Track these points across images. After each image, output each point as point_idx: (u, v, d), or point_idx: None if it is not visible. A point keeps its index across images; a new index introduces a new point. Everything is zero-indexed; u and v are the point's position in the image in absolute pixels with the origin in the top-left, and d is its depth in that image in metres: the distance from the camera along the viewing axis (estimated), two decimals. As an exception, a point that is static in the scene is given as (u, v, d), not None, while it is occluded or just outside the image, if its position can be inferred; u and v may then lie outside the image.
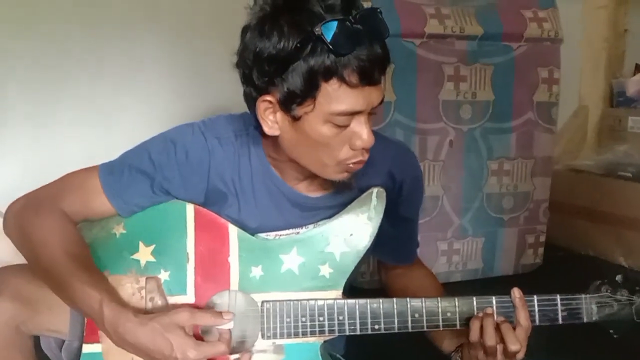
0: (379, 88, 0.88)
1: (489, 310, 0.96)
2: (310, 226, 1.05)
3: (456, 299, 0.97)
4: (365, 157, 0.93)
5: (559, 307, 0.98)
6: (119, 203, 0.98)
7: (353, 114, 0.87)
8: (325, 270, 0.99)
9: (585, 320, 0.99)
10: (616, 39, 2.88)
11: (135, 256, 0.98)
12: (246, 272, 0.99)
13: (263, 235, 1.04)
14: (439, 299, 0.97)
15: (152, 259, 0.98)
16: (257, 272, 0.99)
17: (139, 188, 0.97)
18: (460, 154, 2.08)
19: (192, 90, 2.11)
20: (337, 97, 0.85)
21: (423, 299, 0.97)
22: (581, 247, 2.61)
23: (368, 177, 1.04)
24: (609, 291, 1.01)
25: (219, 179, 0.99)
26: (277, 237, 1.04)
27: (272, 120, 0.91)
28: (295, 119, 0.88)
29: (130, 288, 0.97)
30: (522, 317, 0.96)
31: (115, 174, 0.98)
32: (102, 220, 1.00)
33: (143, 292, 0.97)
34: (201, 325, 0.93)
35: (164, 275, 0.98)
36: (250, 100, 0.92)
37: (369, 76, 0.84)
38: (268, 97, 0.89)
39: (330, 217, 1.04)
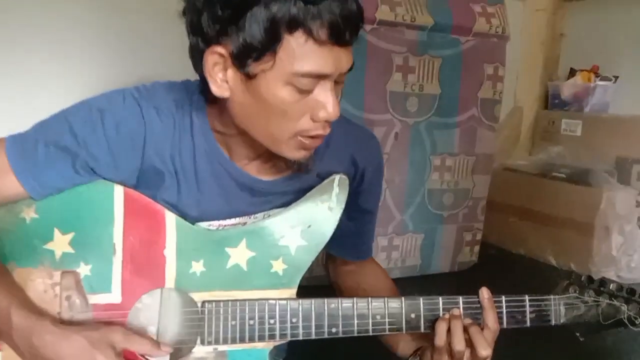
0: (349, 52, 0.77)
1: (456, 312, 0.88)
2: (260, 215, 0.93)
3: (421, 299, 0.88)
4: (327, 131, 0.81)
5: (527, 308, 0.91)
6: (32, 185, 0.81)
7: (319, 77, 0.75)
8: (279, 266, 0.86)
9: (553, 322, 0.93)
10: (553, 42, 2.93)
11: (48, 246, 0.82)
12: (185, 268, 0.85)
13: (205, 224, 0.91)
14: (402, 299, 0.88)
15: (69, 249, 0.82)
16: (197, 267, 0.85)
17: (58, 168, 0.81)
18: (405, 148, 2.01)
19: (125, 58, 1.91)
20: (302, 54, 0.72)
21: (385, 299, 0.87)
22: (512, 246, 2.63)
23: (328, 162, 0.93)
24: (576, 292, 0.95)
25: (156, 157, 0.84)
26: (222, 228, 0.91)
27: (221, 79, 0.77)
28: (250, 77, 0.75)
29: (41, 284, 0.81)
30: (491, 319, 0.88)
31: (28, 150, 0.81)
32: (8, 202, 0.83)
33: (57, 289, 0.81)
34: (133, 350, 0.78)
35: (84, 270, 0.82)
36: (197, 54, 0.78)
37: (340, 34, 0.73)
38: (219, 49, 0.75)
39: (283, 205, 0.92)
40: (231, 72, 0.76)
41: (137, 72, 1.88)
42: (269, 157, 0.89)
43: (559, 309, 0.93)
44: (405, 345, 0.97)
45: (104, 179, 0.84)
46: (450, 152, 2.12)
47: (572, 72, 2.78)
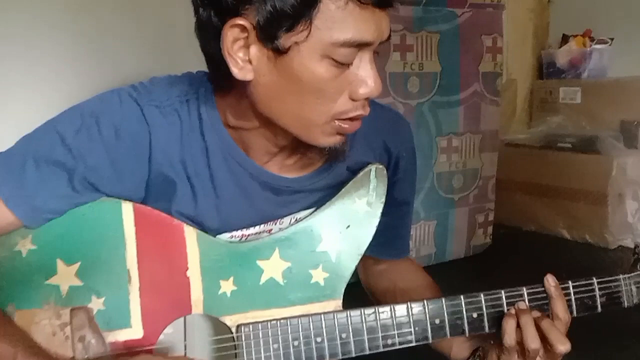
0: (388, 18, 0.66)
1: (522, 306, 0.78)
2: (287, 219, 0.82)
3: (482, 295, 0.78)
4: (367, 111, 0.70)
5: (597, 292, 0.81)
6: (24, 211, 0.69)
7: (360, 45, 0.64)
8: (319, 276, 0.75)
9: (626, 304, 0.83)
10: (541, 10, 2.85)
11: (52, 280, 0.70)
12: (213, 289, 0.73)
13: (226, 236, 0.79)
14: (461, 297, 0.77)
15: (77, 282, 0.71)
16: (227, 287, 0.74)
17: (53, 187, 0.69)
18: (411, 132, 1.91)
19: (99, 65, 1.77)
20: (342, 19, 0.62)
21: (442, 299, 0.77)
22: (522, 223, 2.55)
23: (358, 152, 0.82)
24: (646, 268, 0.85)
25: (164, 163, 0.73)
26: (246, 239, 0.80)
27: (242, 59, 0.65)
28: (279, 53, 0.64)
29: (48, 326, 0.69)
30: (561, 309, 0.78)
31: (14, 170, 0.69)
32: (0, 234, 0.71)
33: (68, 329, 0.69)
34: None
35: (96, 304, 0.71)
36: (210, 33, 0.66)
37: None
38: (240, 21, 0.63)
39: (313, 205, 0.81)
40: (255, 50, 0.65)
41: (117, 73, 1.74)
42: (292, 151, 0.78)
43: (630, 288, 0.83)
44: (459, 348, 0.87)
45: (108, 195, 0.72)
46: (455, 132, 2.03)
47: (565, 39, 2.70)
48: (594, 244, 2.25)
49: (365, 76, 0.66)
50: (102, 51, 1.73)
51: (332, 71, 0.65)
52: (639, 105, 2.35)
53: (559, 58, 2.66)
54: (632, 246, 2.17)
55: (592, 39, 2.59)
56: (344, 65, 0.65)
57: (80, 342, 0.69)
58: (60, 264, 0.70)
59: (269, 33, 0.63)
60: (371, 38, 0.64)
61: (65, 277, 0.70)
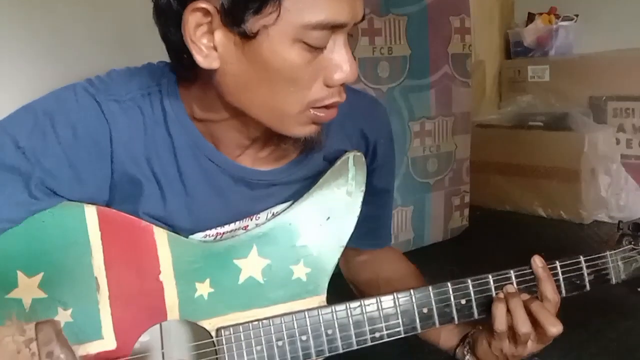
0: None
1: (511, 289, 0.75)
2: (263, 215, 0.78)
3: (469, 281, 0.75)
4: (343, 97, 0.66)
5: (585, 270, 0.79)
6: None
7: (334, 27, 0.60)
8: (301, 271, 0.72)
9: (613, 281, 0.82)
10: (506, -10, 2.85)
11: (13, 294, 0.65)
12: (189, 292, 0.69)
13: (200, 236, 0.75)
14: (448, 284, 0.75)
15: (40, 294, 0.66)
16: (204, 289, 0.69)
17: (8, 194, 0.64)
18: (383, 117, 1.88)
19: (55, 61, 1.69)
20: (314, 1, 0.58)
21: (429, 287, 0.74)
22: (497, 204, 2.56)
23: (333, 141, 0.78)
24: (631, 243, 0.84)
25: (128, 160, 0.68)
26: (221, 237, 0.76)
27: (207, 45, 0.61)
28: (247, 38, 0.59)
29: (12, 344, 0.64)
30: (550, 290, 0.76)
31: None
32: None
33: (34, 345, 0.64)
34: None
35: (63, 316, 0.66)
36: (170, 18, 0.61)
37: None
38: (202, 4, 0.59)
39: (290, 198, 0.77)
40: (220, 35, 0.60)
41: (74, 69, 1.66)
42: (265, 142, 0.74)
43: (617, 265, 0.82)
44: (447, 336, 0.85)
45: (69, 199, 0.67)
46: (427, 116, 2.01)
47: (531, 17, 2.70)
48: (570, 220, 2.27)
49: (340, 60, 0.62)
50: (58, 47, 1.65)
51: (305, 56, 0.61)
52: (606, 81, 2.38)
53: (526, 37, 2.66)
54: (607, 220, 2.21)
55: (557, 17, 2.60)
56: (317, 49, 0.61)
57: (49, 358, 0.64)
58: (21, 276, 0.65)
59: (235, 16, 0.58)
60: (345, 19, 0.60)
61: (28, 289, 0.65)
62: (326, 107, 0.65)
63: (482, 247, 2.08)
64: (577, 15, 2.58)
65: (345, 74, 0.63)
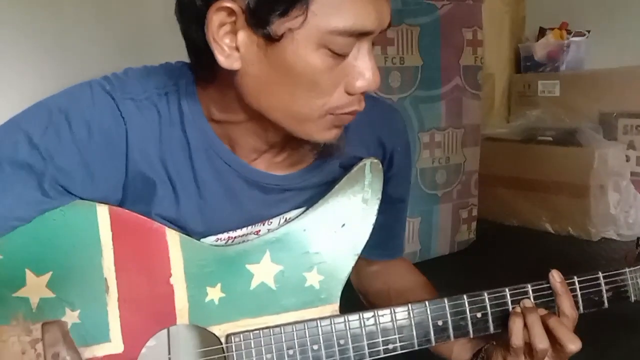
0: (389, 4, 0.61)
1: (528, 304, 0.74)
2: (276, 219, 0.76)
3: (485, 294, 0.73)
4: (362, 106, 0.65)
5: (603, 287, 0.78)
6: None
7: (360, 35, 0.59)
8: (314, 279, 0.70)
9: (633, 298, 0.80)
10: (517, 4, 2.84)
11: (20, 293, 0.63)
12: (199, 297, 0.68)
13: (211, 239, 0.74)
14: (464, 297, 0.73)
15: (48, 294, 0.64)
16: (215, 294, 0.68)
17: (19, 192, 0.62)
18: (393, 127, 1.87)
19: (62, 63, 1.68)
20: (342, 5, 0.56)
21: (445, 299, 0.72)
22: (504, 217, 2.54)
23: (350, 148, 0.77)
24: (650, 260, 0.82)
25: (142, 161, 0.66)
26: (233, 241, 0.74)
27: (229, 45, 0.60)
28: (271, 41, 0.58)
29: (17, 344, 0.63)
30: (567, 305, 0.74)
31: None
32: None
33: (40, 346, 0.63)
34: None
35: (71, 317, 0.64)
36: (192, 16, 0.60)
37: None
38: (228, 4, 0.57)
39: (303, 203, 0.76)
40: (243, 36, 0.59)
41: (81, 71, 1.66)
42: (282, 148, 0.73)
43: (637, 282, 0.80)
44: (460, 350, 0.82)
45: (81, 198, 0.66)
46: (437, 127, 2.00)
47: (542, 32, 2.70)
48: (577, 237, 2.25)
49: (363, 68, 0.61)
50: (63, 49, 1.65)
51: (328, 62, 0.59)
52: (616, 97, 2.36)
53: (537, 51, 2.65)
54: (615, 237, 2.19)
55: (568, 32, 2.59)
56: (341, 56, 0.60)
57: (54, 359, 0.63)
58: (29, 275, 0.64)
59: (260, 18, 0.57)
60: (372, 26, 0.59)
61: (36, 289, 0.64)
62: (346, 114, 0.64)
63: (489, 261, 2.06)
64: (588, 31, 2.57)
65: (368, 82, 0.62)
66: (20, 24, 1.60)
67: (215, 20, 0.58)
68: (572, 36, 2.56)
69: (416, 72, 1.89)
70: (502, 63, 2.85)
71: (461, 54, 1.99)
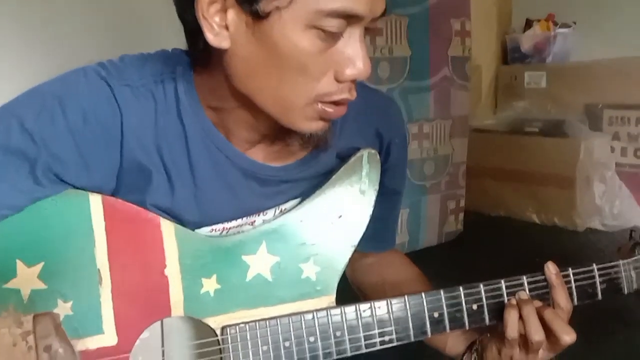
0: None
1: (523, 295, 0.74)
2: (271, 211, 0.76)
3: (481, 286, 0.73)
4: (353, 95, 0.64)
5: (597, 279, 0.78)
6: None
7: (349, 18, 0.58)
8: (310, 270, 0.70)
9: (625, 291, 0.80)
10: (504, -4, 2.85)
11: (11, 284, 0.62)
12: (194, 288, 0.67)
13: (206, 230, 0.73)
14: (460, 288, 0.73)
15: (40, 285, 0.63)
16: (210, 285, 0.67)
17: (11, 179, 0.61)
18: (382, 118, 1.87)
19: (51, 53, 1.64)
20: None
21: (441, 291, 0.72)
22: (491, 208, 2.56)
23: (347, 138, 0.76)
24: (644, 252, 0.83)
25: (138, 148, 0.65)
26: (227, 232, 0.74)
27: (219, 24, 0.59)
28: (259, 18, 0.57)
29: (8, 336, 0.61)
30: (563, 297, 0.74)
31: None
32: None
33: (31, 339, 0.61)
34: None
35: (63, 309, 0.63)
36: None
37: None
38: None
39: (300, 195, 0.75)
40: (232, 14, 0.58)
41: (70, 61, 1.62)
42: (275, 138, 0.72)
43: (630, 274, 0.80)
44: (454, 342, 0.82)
45: (74, 186, 0.64)
46: (426, 118, 2.00)
47: (529, 23, 2.71)
48: (563, 227, 2.27)
49: (353, 55, 0.60)
50: (53, 38, 1.61)
51: (317, 45, 0.58)
52: (602, 89, 2.39)
53: (524, 42, 2.66)
54: (601, 228, 2.21)
55: (555, 23, 2.61)
56: (330, 40, 0.58)
57: (46, 352, 0.61)
58: (20, 266, 0.62)
59: None
60: (362, 11, 0.58)
61: (27, 279, 0.62)
62: (335, 103, 0.63)
63: (477, 252, 2.08)
64: (574, 23, 2.59)
65: (358, 70, 0.60)
66: (8, 12, 1.56)
67: None
68: (559, 28, 2.58)
69: (405, 62, 1.89)
70: (489, 54, 2.86)
71: (449, 44, 1.99)
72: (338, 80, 0.61)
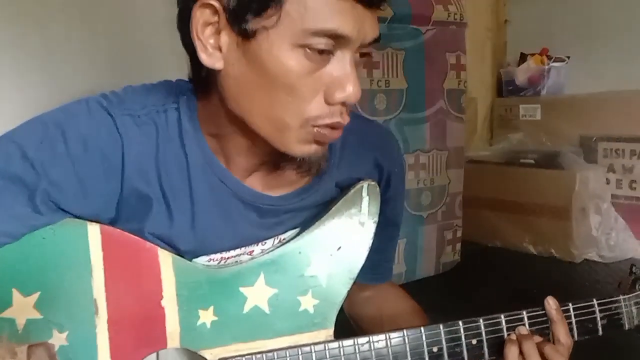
0: (374, 18, 0.61)
1: (523, 330, 0.73)
2: (269, 241, 0.75)
3: (481, 320, 0.73)
4: (345, 119, 0.64)
5: (598, 314, 0.78)
6: None
7: (336, 38, 0.58)
8: (308, 302, 0.69)
9: (627, 326, 0.80)
10: (498, 29, 2.90)
11: (6, 314, 0.62)
12: (191, 320, 0.66)
13: (203, 260, 0.72)
14: (460, 323, 0.72)
15: (35, 314, 0.62)
16: (207, 317, 0.67)
17: (9, 206, 0.61)
18: (379, 148, 1.88)
19: (47, 82, 1.65)
20: (316, 6, 0.57)
21: (440, 325, 0.72)
22: (488, 239, 2.55)
23: (347, 168, 0.76)
24: (644, 288, 0.82)
25: (138, 177, 0.65)
26: (225, 262, 0.73)
27: (213, 45, 0.60)
28: (248, 37, 0.59)
29: (2, 367, 0.60)
30: (563, 333, 0.74)
31: None
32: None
33: (25, 370, 0.60)
34: None
35: (58, 339, 0.63)
36: (185, 19, 0.61)
37: None
38: (210, 1, 0.59)
39: (299, 225, 0.75)
40: (225, 36, 0.60)
41: (66, 91, 1.62)
42: (274, 166, 0.72)
43: (631, 310, 0.80)
44: None
45: (73, 215, 0.64)
46: (422, 149, 2.01)
47: (523, 57, 2.74)
48: (560, 259, 2.26)
49: (342, 78, 0.61)
50: (50, 68, 1.62)
51: (305, 65, 0.59)
52: (596, 121, 2.41)
53: (518, 76, 2.69)
54: (598, 259, 2.21)
55: (549, 57, 2.64)
56: (319, 62, 0.59)
57: (40, 385, 0.60)
58: (16, 295, 0.62)
59: (238, 16, 0.58)
60: (348, 31, 0.58)
61: (22, 309, 0.62)
62: (330, 126, 0.63)
63: (474, 283, 2.06)
64: (568, 57, 2.62)
65: (347, 94, 0.61)
66: (6, 40, 1.57)
67: (199, 17, 0.59)
68: (553, 62, 2.61)
69: (401, 94, 1.90)
70: (484, 87, 2.89)
71: (445, 77, 2.01)
72: (328, 103, 0.62)
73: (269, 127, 0.63)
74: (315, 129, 0.63)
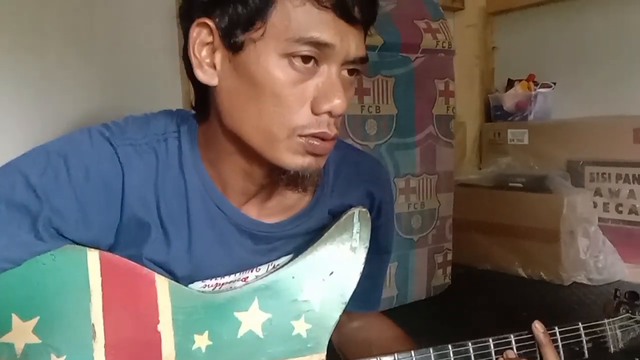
0: (360, 36, 0.64)
1: (511, 355, 0.76)
2: (264, 267, 0.77)
3: (470, 344, 0.75)
4: (333, 131, 0.65)
5: (583, 337, 0.80)
6: None
7: (320, 45, 0.61)
8: (301, 327, 0.71)
9: (612, 349, 0.82)
10: (486, 56, 2.96)
11: (5, 338, 0.63)
12: (186, 344, 0.67)
13: (199, 285, 0.74)
14: (449, 347, 0.74)
15: (34, 339, 0.63)
16: (202, 341, 0.68)
17: (12, 233, 0.62)
18: (370, 173, 1.90)
19: (43, 110, 1.68)
20: (298, 17, 0.61)
21: (430, 349, 0.74)
22: (478, 262, 2.57)
23: (339, 196, 0.79)
24: (628, 312, 0.85)
25: (138, 205, 0.67)
26: (220, 287, 0.75)
27: (208, 63, 0.65)
28: (237, 50, 0.63)
29: (-1, 393, 0.61)
30: (551, 356, 0.76)
31: None
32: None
33: (23, 396, 0.62)
34: None
35: (56, 365, 0.63)
36: (185, 41, 0.66)
37: (345, 5, 0.61)
38: (205, 20, 0.63)
39: (293, 251, 0.77)
40: (219, 53, 0.64)
41: (62, 119, 1.65)
42: (270, 191, 0.74)
43: (615, 333, 0.82)
44: None
45: (73, 241, 0.66)
46: (412, 173, 2.04)
47: (511, 83, 2.80)
48: (549, 281, 2.28)
49: (328, 90, 0.63)
50: (47, 96, 1.64)
51: (291, 75, 0.62)
52: (582, 146, 2.45)
53: (506, 101, 2.75)
54: (586, 282, 2.23)
55: (536, 83, 2.70)
56: (305, 73, 0.62)
57: (37, 410, 0.62)
58: (15, 320, 0.63)
59: (228, 32, 0.62)
60: (329, 39, 0.61)
61: (21, 333, 0.63)
62: (320, 138, 0.64)
63: (465, 306, 2.08)
64: (554, 83, 2.68)
65: (333, 104, 0.63)
66: (4, 66, 1.60)
67: (196, 37, 0.63)
68: (539, 87, 2.67)
69: (391, 120, 1.94)
70: (473, 112, 2.95)
71: (434, 103, 2.05)
72: (315, 113, 0.64)
73: (259, 137, 0.65)
74: (303, 139, 0.64)
